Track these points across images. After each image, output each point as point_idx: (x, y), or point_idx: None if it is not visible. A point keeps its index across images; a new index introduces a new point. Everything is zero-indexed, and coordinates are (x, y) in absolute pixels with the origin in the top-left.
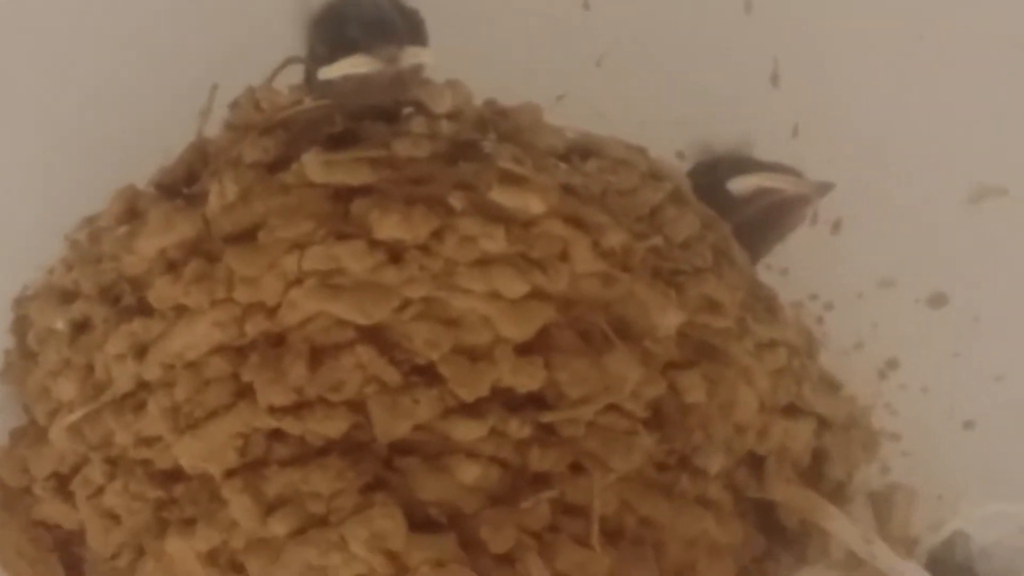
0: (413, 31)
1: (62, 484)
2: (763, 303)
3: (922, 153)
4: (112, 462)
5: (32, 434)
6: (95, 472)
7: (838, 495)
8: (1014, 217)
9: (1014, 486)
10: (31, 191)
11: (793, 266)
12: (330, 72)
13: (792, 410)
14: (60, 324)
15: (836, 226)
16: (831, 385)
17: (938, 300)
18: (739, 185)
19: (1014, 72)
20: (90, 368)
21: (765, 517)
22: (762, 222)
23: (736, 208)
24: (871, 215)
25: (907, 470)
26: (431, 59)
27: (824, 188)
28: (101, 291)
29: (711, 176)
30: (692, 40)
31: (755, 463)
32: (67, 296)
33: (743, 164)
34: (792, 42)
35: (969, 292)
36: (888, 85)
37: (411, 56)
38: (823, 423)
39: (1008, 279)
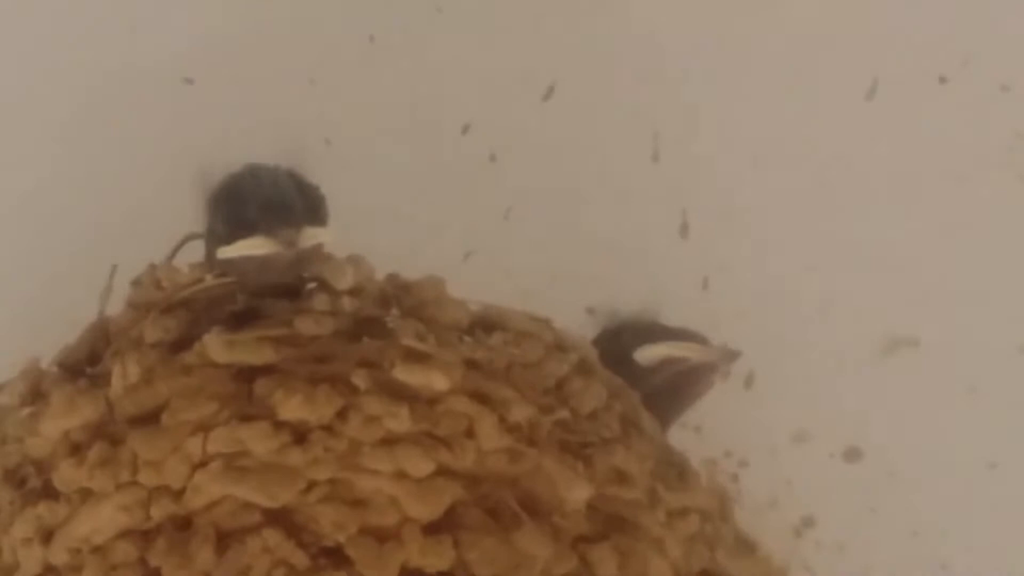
0: (312, 209)
1: None
2: (674, 469)
3: (833, 305)
4: None
5: None
6: None
7: None
8: (927, 368)
9: None
10: None
11: (705, 423)
12: (228, 252)
13: None
14: None
15: (749, 380)
16: (746, 546)
17: (853, 454)
18: (645, 355)
19: (924, 221)
20: None
21: None
22: (670, 390)
23: (643, 377)
24: (784, 369)
25: None
26: (330, 238)
27: (731, 356)
28: (6, 473)
29: (616, 344)
30: (600, 190)
31: None
32: None
33: (648, 331)
34: (701, 192)
35: (884, 446)
36: (798, 236)
37: (309, 237)
38: None
39: (923, 431)
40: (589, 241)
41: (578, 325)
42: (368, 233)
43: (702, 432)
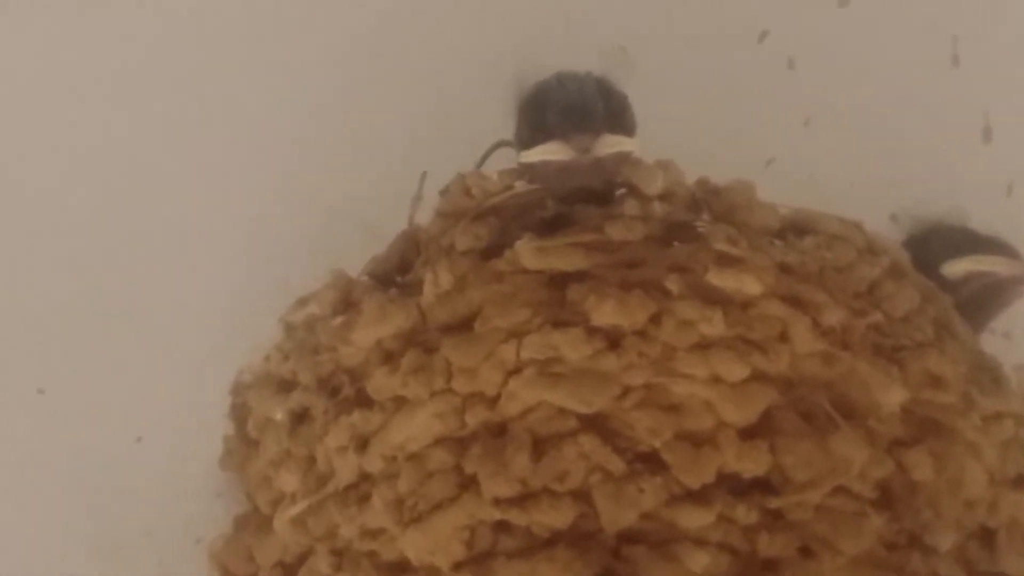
0: (615, 117)
1: (288, 573)
2: (988, 374)
3: None
4: (338, 554)
5: (256, 522)
6: (321, 563)
7: None
8: None
9: None
10: (238, 266)
11: (1016, 330)
12: (528, 157)
13: (1022, 481)
14: (279, 414)
15: None
16: None
17: None
18: (951, 269)
19: None
20: (312, 460)
21: None
22: (976, 303)
23: (950, 289)
24: None
25: None
26: (631, 147)
27: None
28: (319, 382)
29: (925, 251)
30: (900, 96)
31: (986, 537)
32: (285, 386)
33: (957, 239)
34: (1003, 95)
35: None
36: None
37: (607, 145)
38: None
39: None
40: (890, 148)
41: (881, 232)
42: (669, 142)
43: (1012, 338)
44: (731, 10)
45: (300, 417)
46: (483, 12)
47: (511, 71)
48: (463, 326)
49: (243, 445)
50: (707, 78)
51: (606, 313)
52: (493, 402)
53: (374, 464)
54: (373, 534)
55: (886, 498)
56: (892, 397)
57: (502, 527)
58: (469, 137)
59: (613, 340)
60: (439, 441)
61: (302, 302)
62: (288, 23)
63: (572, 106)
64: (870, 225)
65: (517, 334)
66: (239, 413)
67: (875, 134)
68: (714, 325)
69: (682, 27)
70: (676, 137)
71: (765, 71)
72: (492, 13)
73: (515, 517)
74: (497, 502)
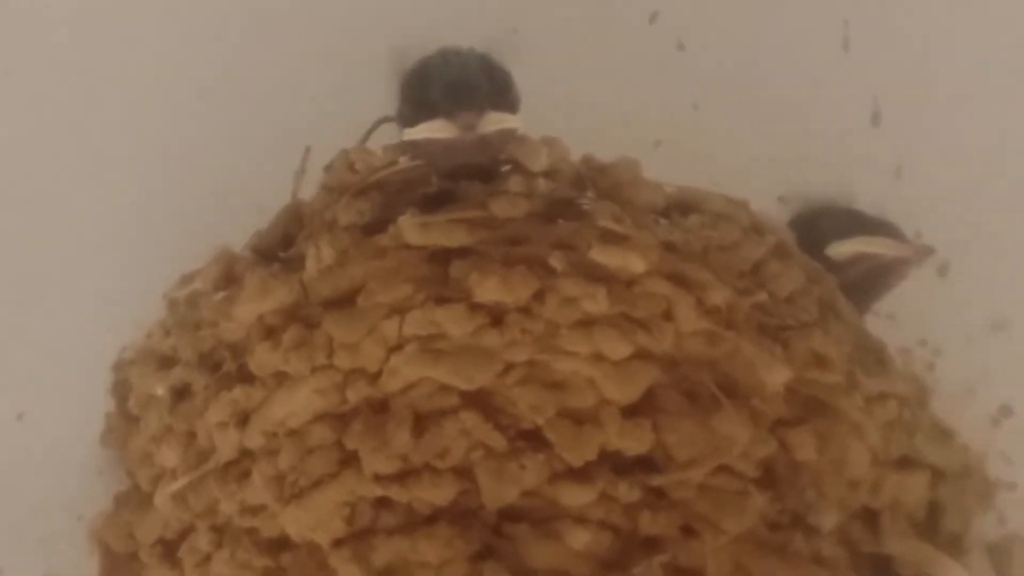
0: (499, 93)
1: (168, 551)
2: (872, 355)
3: None
4: (218, 530)
5: (136, 499)
6: (202, 540)
7: (954, 547)
8: None
9: None
10: (121, 243)
11: (900, 311)
12: (412, 135)
13: (905, 462)
14: (160, 390)
15: (943, 269)
16: (944, 434)
17: None
18: (838, 251)
19: None
20: (192, 435)
21: (881, 572)
22: (862, 285)
23: (836, 270)
24: (979, 256)
25: None
26: (515, 124)
27: (925, 251)
28: (200, 357)
29: (812, 231)
30: (790, 79)
31: (869, 517)
32: (166, 362)
33: (844, 220)
34: (893, 79)
35: None
36: (992, 120)
37: (492, 122)
38: (937, 474)
39: None
40: (780, 130)
41: (769, 214)
42: (557, 122)
43: (896, 320)
44: None
45: (181, 393)
46: None
47: (393, 46)
48: (345, 301)
49: (124, 422)
50: (597, 59)
51: (489, 290)
52: (375, 378)
53: (255, 440)
54: (253, 510)
55: (769, 477)
56: (776, 377)
57: (383, 503)
58: (353, 113)
59: (496, 317)
60: (320, 417)
61: (187, 278)
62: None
63: (455, 82)
64: (758, 207)
65: (399, 310)
66: (121, 390)
67: (765, 117)
68: (598, 302)
69: (573, 8)
70: (566, 118)
71: (655, 53)
72: None
73: (396, 493)
74: (378, 478)
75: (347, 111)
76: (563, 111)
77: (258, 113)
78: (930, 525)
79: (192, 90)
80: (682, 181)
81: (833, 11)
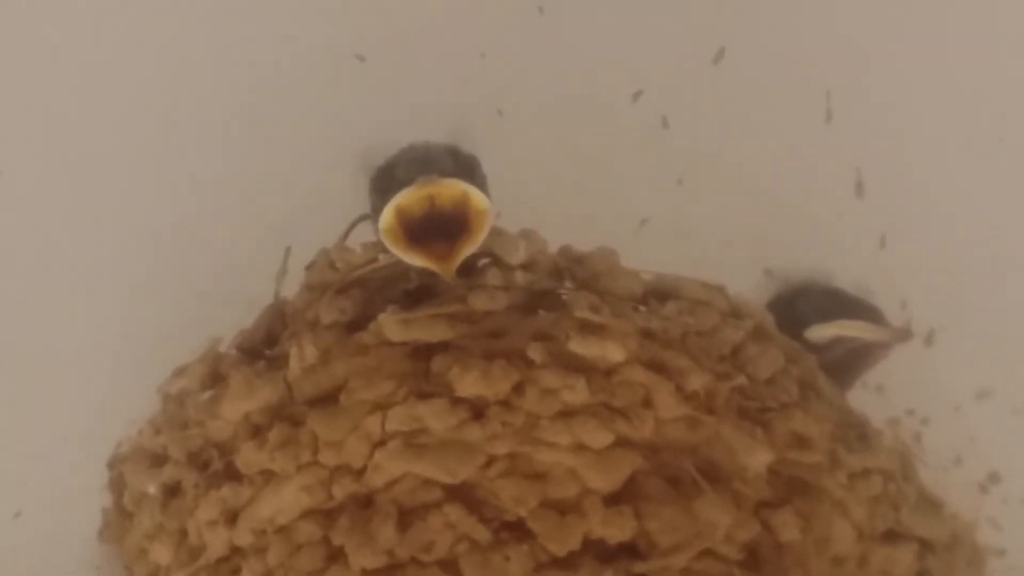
0: (464, 173)
1: None
2: (855, 431)
3: (1013, 261)
4: None
5: None
6: None
7: None
8: None
9: None
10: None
11: (887, 382)
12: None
13: (891, 536)
14: (152, 488)
15: (929, 338)
16: (931, 505)
17: None
18: (817, 335)
19: None
20: (184, 533)
21: None
22: (842, 365)
23: (815, 351)
24: (964, 326)
25: None
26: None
27: (903, 335)
28: (189, 456)
29: (791, 312)
30: (774, 152)
31: None
32: (157, 460)
33: (823, 301)
34: (876, 150)
35: None
36: (976, 192)
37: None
38: (925, 545)
39: None
40: (764, 204)
41: (756, 287)
42: (542, 203)
43: (884, 391)
44: (605, 70)
45: (172, 491)
46: (353, 84)
47: (364, 144)
48: (329, 399)
49: (120, 518)
50: (581, 138)
51: (469, 383)
52: (359, 474)
53: (244, 538)
54: None
55: (753, 560)
56: (757, 459)
57: None
58: (333, 212)
59: (477, 410)
60: (307, 514)
61: (179, 372)
62: (160, 101)
63: (419, 159)
64: (745, 281)
65: (382, 406)
66: (117, 486)
67: (749, 191)
68: (577, 393)
69: (556, 87)
70: (551, 197)
71: (639, 130)
72: (362, 85)
73: None
74: (364, 573)
75: (327, 210)
76: (548, 190)
77: (240, 215)
78: None
79: (186, 192)
80: (668, 258)
81: (815, 83)
